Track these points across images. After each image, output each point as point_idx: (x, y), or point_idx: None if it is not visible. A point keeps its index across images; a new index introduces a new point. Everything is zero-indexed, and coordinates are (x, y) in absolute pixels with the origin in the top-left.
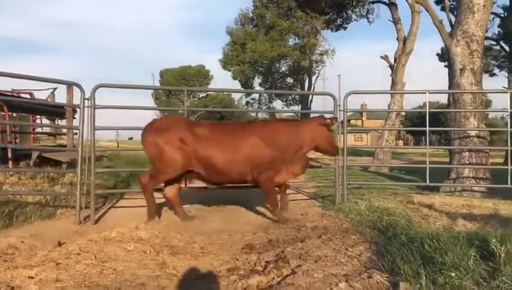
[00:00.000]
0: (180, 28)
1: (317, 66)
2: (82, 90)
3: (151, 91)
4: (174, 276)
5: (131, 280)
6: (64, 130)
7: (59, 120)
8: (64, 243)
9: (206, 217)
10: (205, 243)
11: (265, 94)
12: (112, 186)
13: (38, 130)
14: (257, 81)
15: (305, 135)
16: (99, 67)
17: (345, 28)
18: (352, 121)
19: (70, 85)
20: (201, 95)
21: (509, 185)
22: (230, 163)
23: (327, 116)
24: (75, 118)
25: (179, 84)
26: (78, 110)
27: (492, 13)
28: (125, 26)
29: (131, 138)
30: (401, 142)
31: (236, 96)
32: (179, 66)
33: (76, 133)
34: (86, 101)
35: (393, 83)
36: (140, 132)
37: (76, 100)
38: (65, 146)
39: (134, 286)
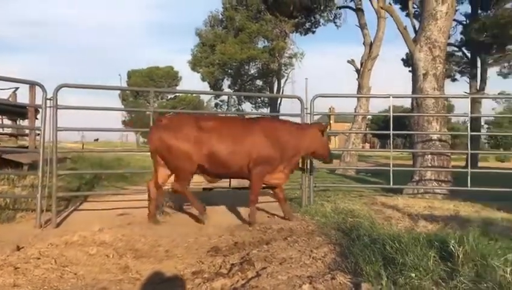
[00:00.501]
0: (149, 28)
1: (286, 69)
2: (44, 90)
3: (119, 92)
4: (137, 280)
5: (93, 285)
6: (26, 131)
7: (21, 120)
8: (23, 247)
9: (171, 219)
10: (170, 246)
11: (234, 96)
12: (75, 188)
13: None
14: (226, 83)
15: (306, 139)
16: (66, 66)
17: (313, 32)
18: None
19: (32, 85)
20: (169, 97)
21: (469, 188)
22: (234, 155)
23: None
24: (37, 118)
25: (146, 85)
26: (40, 110)
27: (454, 20)
28: (93, 25)
29: (97, 140)
30: (367, 145)
31: (205, 98)
32: (147, 67)
33: (38, 134)
34: (48, 101)
35: (360, 87)
36: (105, 133)
37: (39, 100)
38: (27, 147)
39: None
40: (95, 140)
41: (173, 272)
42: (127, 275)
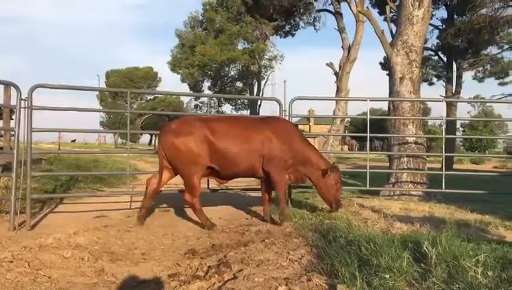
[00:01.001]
0: (129, 29)
1: (266, 71)
2: (18, 91)
3: (97, 93)
4: (113, 283)
5: (67, 288)
6: (1, 132)
7: None
8: None
9: (149, 222)
10: (147, 248)
11: (214, 98)
12: (51, 190)
13: None
14: (206, 84)
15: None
16: (42, 67)
17: (293, 35)
18: (300, 126)
19: (7, 85)
20: (149, 98)
21: (444, 190)
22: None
23: None
24: (12, 119)
25: (126, 85)
26: (15, 111)
27: (431, 25)
28: (71, 25)
29: (74, 140)
30: (346, 148)
31: (185, 99)
32: (126, 68)
33: (13, 135)
34: (22, 102)
35: (338, 90)
36: (83, 134)
37: (14, 101)
38: (1, 148)
39: None
40: (72, 141)
41: (149, 275)
42: (102, 278)
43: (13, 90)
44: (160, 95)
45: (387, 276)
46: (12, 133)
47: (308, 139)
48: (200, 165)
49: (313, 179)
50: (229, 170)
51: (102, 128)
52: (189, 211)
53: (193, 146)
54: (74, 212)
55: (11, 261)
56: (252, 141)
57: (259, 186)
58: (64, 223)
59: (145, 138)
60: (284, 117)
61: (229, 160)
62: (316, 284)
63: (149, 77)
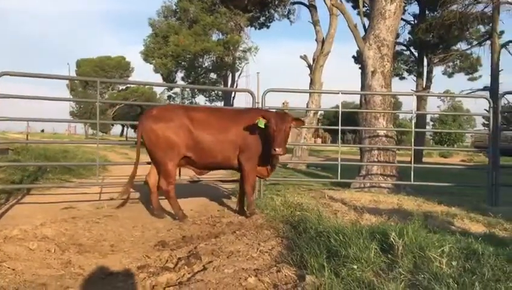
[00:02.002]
0: (101, 17)
1: (240, 63)
2: None
3: (67, 82)
4: (80, 275)
5: (32, 280)
6: None
7: None
8: None
9: (118, 213)
10: (116, 240)
11: (187, 89)
12: (18, 181)
13: None
14: (180, 75)
15: None
16: (10, 55)
17: (267, 27)
18: None
19: None
20: (121, 88)
21: (412, 182)
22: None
23: None
24: None
25: (97, 75)
26: None
27: (403, 20)
28: (41, 12)
29: (43, 131)
30: (319, 140)
31: (158, 90)
32: (97, 56)
33: None
34: None
35: (312, 83)
36: (52, 124)
37: None
38: None
39: (35, 287)
40: (41, 131)
41: (118, 266)
42: (68, 270)
43: None
44: (132, 85)
45: (355, 267)
46: None
47: None
48: (176, 153)
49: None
50: (205, 160)
51: (72, 119)
52: (161, 203)
53: (171, 133)
54: (42, 204)
55: None
56: (227, 132)
57: (232, 178)
58: (31, 215)
59: (117, 129)
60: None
61: (205, 150)
62: (286, 275)
63: (121, 67)
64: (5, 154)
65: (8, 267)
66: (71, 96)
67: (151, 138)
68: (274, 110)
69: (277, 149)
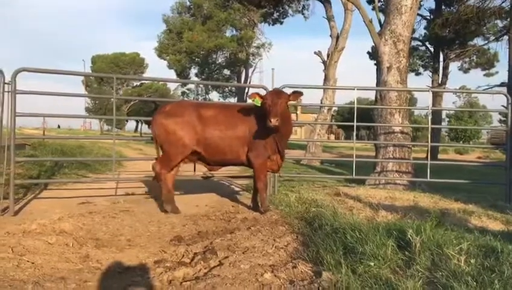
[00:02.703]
0: (115, 14)
1: (253, 59)
2: (2, 74)
3: (82, 78)
4: (98, 269)
5: (51, 274)
6: None
7: None
8: None
9: (134, 208)
10: (132, 235)
11: (201, 85)
12: (35, 176)
13: None
14: (193, 71)
15: None
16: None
17: (281, 23)
18: None
19: None
20: (135, 84)
21: (428, 179)
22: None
23: None
24: None
25: (112, 71)
26: None
27: (419, 15)
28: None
29: (59, 126)
30: (332, 136)
31: (172, 86)
32: (112, 53)
33: None
34: (6, 86)
35: (326, 79)
36: (68, 120)
37: None
38: None
39: (54, 280)
40: (57, 127)
41: (135, 261)
42: (87, 264)
43: None
44: (146, 82)
45: (371, 263)
46: None
47: (296, 127)
48: (183, 147)
49: None
50: (215, 156)
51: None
52: (175, 198)
53: (179, 128)
54: (59, 198)
55: None
56: (235, 128)
57: (245, 174)
58: (49, 209)
59: (131, 125)
60: None
61: (214, 146)
62: (302, 271)
63: (135, 63)
64: (22, 150)
65: (28, 261)
66: (86, 93)
67: (161, 132)
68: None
69: (272, 120)
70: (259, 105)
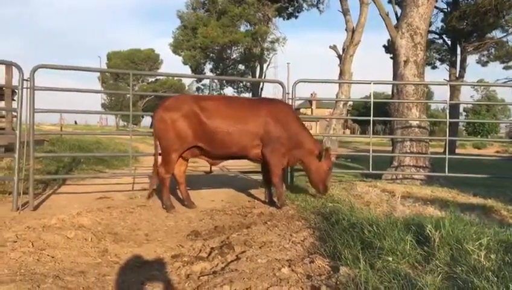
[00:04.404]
0: (130, 10)
1: (268, 54)
2: (21, 71)
3: (98, 74)
4: (116, 263)
5: (71, 268)
6: (3, 112)
7: None
8: None
9: (151, 203)
10: (150, 230)
11: (216, 80)
12: (54, 171)
13: None
14: (208, 67)
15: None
16: (44, 48)
17: (296, 17)
18: (302, 110)
19: (8, 65)
20: (150, 80)
21: (446, 174)
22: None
23: None
24: (14, 99)
25: (127, 67)
26: (17, 91)
27: (436, 8)
28: (73, 6)
29: (76, 122)
30: (348, 131)
31: (187, 81)
32: (128, 49)
33: (15, 116)
34: (24, 82)
35: (341, 73)
36: (84, 116)
37: (16, 81)
38: (3, 129)
39: (74, 274)
40: (74, 123)
41: (153, 255)
42: (105, 258)
43: (15, 71)
44: (161, 78)
45: (390, 258)
46: (14, 114)
47: (311, 122)
48: (182, 143)
49: (305, 161)
50: (219, 150)
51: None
52: (191, 194)
53: (179, 123)
54: (77, 194)
55: (15, 241)
56: (245, 121)
57: (259, 170)
58: (67, 204)
59: (146, 121)
60: (287, 100)
61: (219, 140)
62: (319, 266)
63: (151, 59)
64: (41, 146)
65: (48, 255)
66: (102, 89)
67: (159, 127)
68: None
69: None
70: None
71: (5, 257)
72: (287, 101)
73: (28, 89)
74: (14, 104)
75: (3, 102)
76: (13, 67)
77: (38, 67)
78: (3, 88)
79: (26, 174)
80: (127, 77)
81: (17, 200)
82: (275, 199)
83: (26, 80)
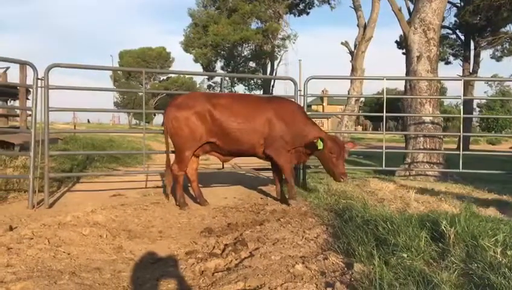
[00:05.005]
0: (141, 8)
1: (279, 51)
2: (35, 70)
3: (110, 73)
4: (131, 260)
5: (86, 264)
6: (18, 111)
7: (12, 101)
8: (16, 227)
9: (164, 200)
10: (163, 226)
11: (227, 78)
12: (68, 169)
13: None
14: (219, 64)
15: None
16: (56, 46)
17: (307, 13)
18: (313, 107)
19: (23, 64)
20: (162, 78)
21: (460, 170)
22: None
23: None
24: (28, 98)
25: (139, 66)
26: (31, 90)
27: (449, 2)
28: (84, 5)
29: (89, 121)
30: (360, 128)
31: (198, 79)
32: (139, 48)
33: (30, 115)
34: (39, 81)
35: (353, 69)
36: (96, 114)
37: (30, 80)
38: (18, 128)
39: (89, 271)
40: (87, 121)
41: (167, 252)
42: (120, 255)
43: (29, 70)
44: (173, 75)
45: (404, 255)
46: (29, 112)
47: (322, 119)
48: (195, 140)
49: (316, 155)
50: (230, 146)
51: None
52: (203, 191)
53: (192, 120)
54: (91, 191)
55: (31, 238)
56: (253, 119)
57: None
58: (82, 202)
59: (158, 119)
60: (298, 97)
61: (230, 136)
62: (333, 263)
63: (162, 57)
64: (55, 144)
65: (64, 252)
66: (114, 87)
67: (173, 125)
68: (331, 134)
69: (344, 177)
70: (321, 148)
71: (22, 253)
72: (298, 98)
73: (43, 88)
74: (29, 103)
75: (17, 101)
76: (27, 66)
77: (53, 66)
78: (18, 87)
79: (41, 173)
80: (138, 75)
81: (32, 198)
82: (286, 196)
83: (41, 79)
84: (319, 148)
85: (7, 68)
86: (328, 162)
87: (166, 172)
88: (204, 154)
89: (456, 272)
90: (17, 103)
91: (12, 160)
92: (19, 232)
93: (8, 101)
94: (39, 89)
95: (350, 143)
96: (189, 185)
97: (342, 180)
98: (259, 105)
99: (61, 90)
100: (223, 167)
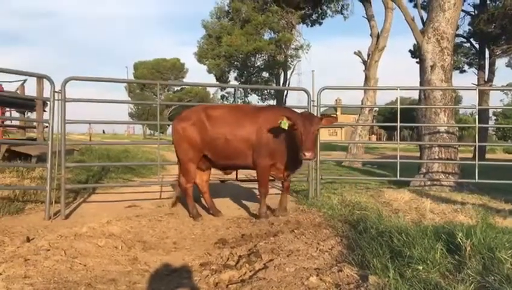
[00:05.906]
0: (156, 20)
1: (292, 61)
2: (52, 83)
3: (125, 84)
4: (146, 271)
5: (102, 276)
6: (35, 123)
7: (29, 113)
8: (33, 238)
9: (179, 212)
10: (178, 238)
11: (240, 88)
12: (84, 180)
13: (8, 123)
14: (232, 75)
15: None
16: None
17: (320, 24)
18: None
19: (40, 77)
20: (176, 89)
21: (476, 180)
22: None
23: None
24: (45, 110)
25: (153, 77)
26: (48, 103)
27: (463, 11)
28: (99, 17)
29: (104, 132)
30: (374, 137)
31: (211, 90)
32: (154, 59)
33: (46, 127)
34: (56, 94)
35: (367, 79)
36: (111, 125)
37: (47, 93)
38: (35, 139)
39: (105, 282)
40: (102, 132)
41: (181, 263)
42: (135, 266)
43: (46, 83)
44: (186, 86)
45: (420, 267)
46: (46, 124)
47: (336, 129)
48: (194, 152)
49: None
50: (221, 159)
51: (131, 120)
52: (217, 202)
53: (189, 132)
54: (106, 202)
55: (48, 250)
56: (241, 129)
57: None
58: (97, 213)
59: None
60: (312, 107)
61: (219, 148)
62: (347, 275)
63: (176, 68)
64: (71, 155)
65: (80, 263)
66: (130, 99)
67: (175, 137)
68: (301, 111)
69: (307, 154)
70: (286, 128)
71: (39, 265)
72: (312, 108)
73: (59, 101)
74: (45, 115)
75: (34, 113)
76: (44, 79)
77: (69, 79)
78: (35, 100)
79: (57, 184)
80: (153, 86)
81: (49, 209)
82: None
83: (58, 92)
84: (283, 127)
85: (25, 80)
86: (297, 141)
87: (177, 184)
88: (207, 167)
89: (472, 285)
90: (34, 115)
91: (30, 171)
92: (36, 243)
93: (25, 113)
94: (56, 102)
95: (325, 119)
96: (201, 196)
97: (304, 157)
98: (250, 115)
99: (76, 102)
100: (237, 178)
